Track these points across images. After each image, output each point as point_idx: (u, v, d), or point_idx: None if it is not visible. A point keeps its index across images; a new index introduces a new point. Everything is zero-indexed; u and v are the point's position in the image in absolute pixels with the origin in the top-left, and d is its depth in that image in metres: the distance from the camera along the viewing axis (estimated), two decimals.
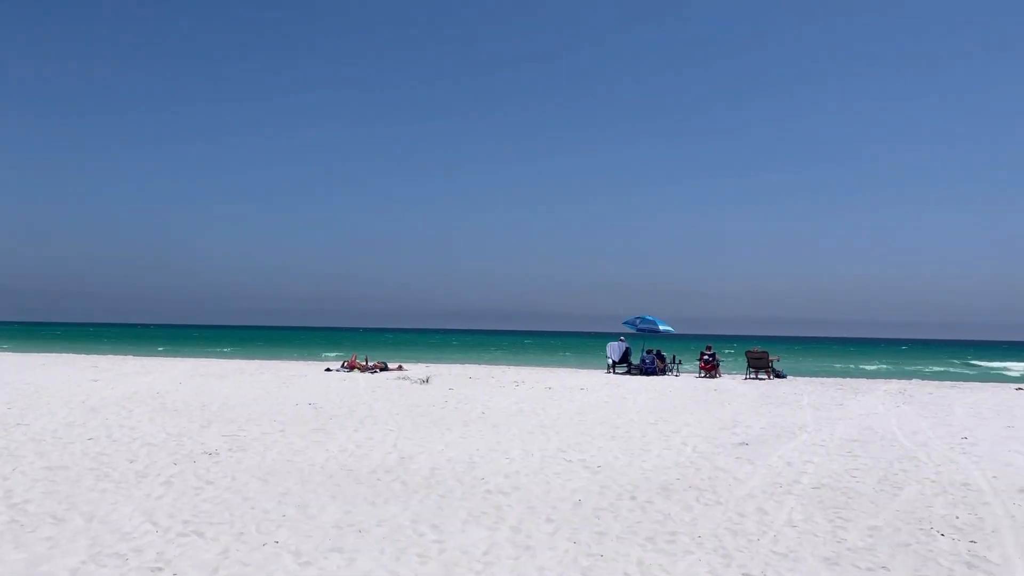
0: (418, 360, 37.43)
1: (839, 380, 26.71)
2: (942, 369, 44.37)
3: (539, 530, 6.87)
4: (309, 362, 33.51)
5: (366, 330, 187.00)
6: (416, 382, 21.76)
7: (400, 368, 27.17)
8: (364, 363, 26.41)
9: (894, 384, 24.57)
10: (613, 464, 10.01)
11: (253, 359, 35.28)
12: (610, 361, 27.87)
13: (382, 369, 26.20)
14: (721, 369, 27.00)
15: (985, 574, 5.72)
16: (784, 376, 26.22)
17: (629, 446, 11.45)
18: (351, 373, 24.86)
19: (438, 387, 20.47)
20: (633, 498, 8.13)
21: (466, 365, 33.00)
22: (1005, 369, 44.71)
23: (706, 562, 6.02)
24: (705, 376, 25.82)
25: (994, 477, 9.30)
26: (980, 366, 47.89)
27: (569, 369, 31.47)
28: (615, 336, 29.60)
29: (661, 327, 27.89)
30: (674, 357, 27.89)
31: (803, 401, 18.15)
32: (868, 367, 43.64)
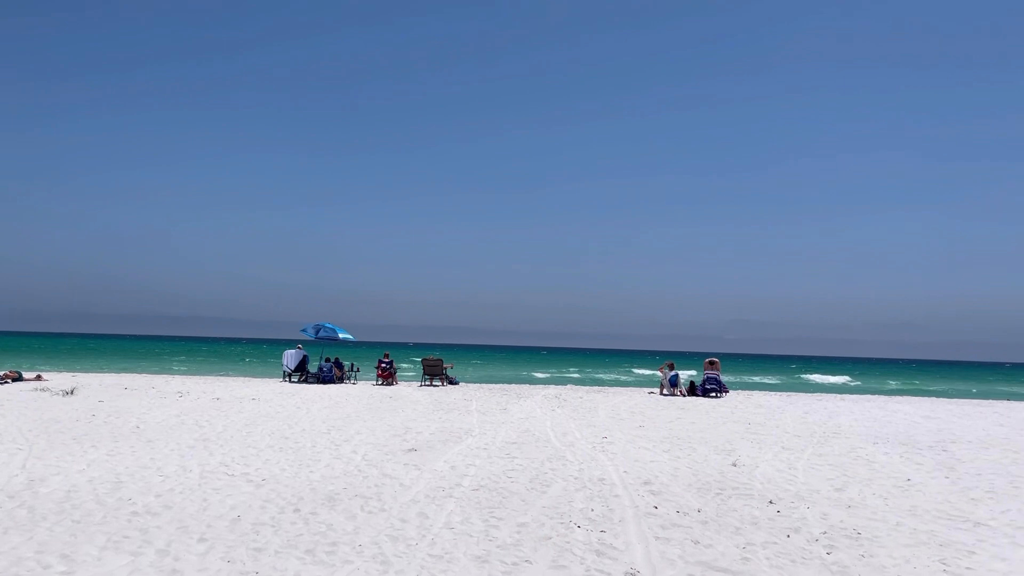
0: (65, 369, 33.22)
1: (506, 386, 28.57)
2: (609, 376, 49.58)
3: (190, 551, 6.40)
4: None
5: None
6: (58, 393, 19.28)
7: (39, 378, 23.92)
8: None
9: (551, 390, 26.87)
10: (279, 476, 9.69)
11: None
12: (286, 369, 27.08)
13: (15, 379, 22.85)
14: (398, 376, 27.49)
15: (611, 560, 6.43)
16: (457, 383, 27.43)
17: (298, 457, 11.17)
18: None
19: (86, 399, 18.33)
20: (297, 510, 7.92)
21: (123, 375, 29.99)
22: (647, 376, 51.06)
23: (364, 570, 6.04)
24: (382, 384, 26.12)
25: (625, 472, 10.53)
26: (637, 374, 54.13)
27: (242, 378, 30.01)
28: (293, 344, 28.82)
29: (341, 335, 27.72)
30: (352, 365, 27.86)
31: (472, 407, 19.11)
32: (539, 375, 47.23)
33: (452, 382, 27.19)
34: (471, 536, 7.08)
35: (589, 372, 52.97)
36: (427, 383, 26.61)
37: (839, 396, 29.59)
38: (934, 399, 29.94)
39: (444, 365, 27.14)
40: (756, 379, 51.45)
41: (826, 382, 52.37)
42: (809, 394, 30.27)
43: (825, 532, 7.49)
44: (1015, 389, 49.12)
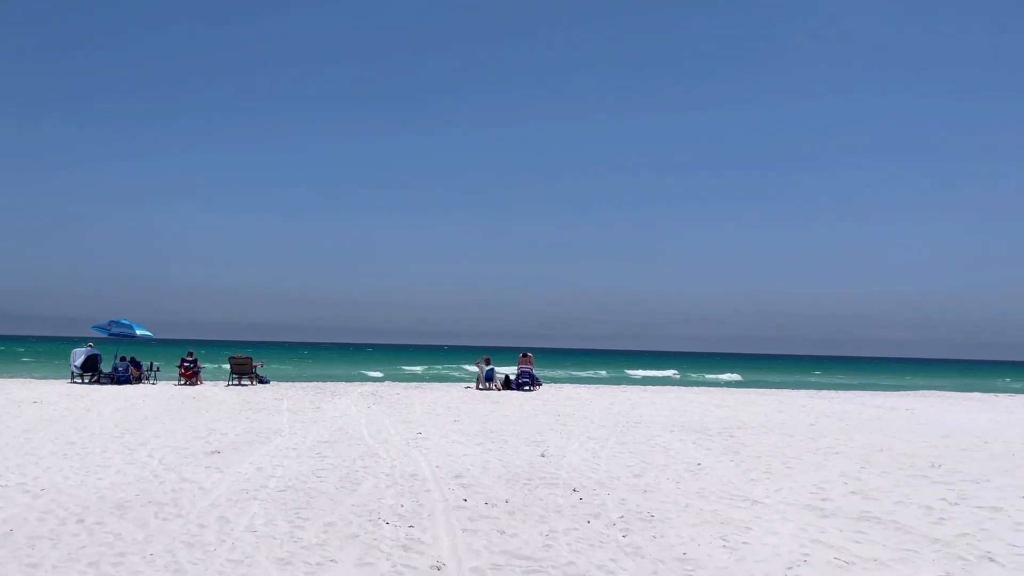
0: None
1: (320, 384, 27.89)
2: (429, 372, 49.52)
3: None
4: None
5: None
6: None
7: None
8: None
9: (367, 387, 26.55)
10: (61, 485, 8.90)
11: None
12: (74, 369, 24.92)
13: None
14: (203, 376, 26.07)
15: (417, 554, 6.45)
16: (267, 382, 26.43)
17: (85, 464, 10.31)
18: None
19: None
20: (81, 521, 7.31)
21: None
22: (464, 370, 51.60)
23: None
24: (185, 383, 24.68)
25: (437, 467, 10.60)
26: (468, 369, 54.41)
27: (21, 380, 27.30)
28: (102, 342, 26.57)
29: (138, 332, 25.89)
30: (151, 364, 26.12)
31: (283, 406, 18.49)
32: (371, 373, 46.30)
33: (262, 381, 26.17)
34: (275, 538, 6.85)
35: (403, 369, 52.83)
36: (235, 382, 25.44)
37: (642, 388, 31.40)
38: (726, 389, 32.50)
39: (254, 363, 26.07)
40: (579, 373, 53.53)
41: (652, 376, 55.03)
42: (616, 386, 31.88)
43: (622, 516, 7.92)
44: (839, 380, 54.29)
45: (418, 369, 53.54)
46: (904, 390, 36.74)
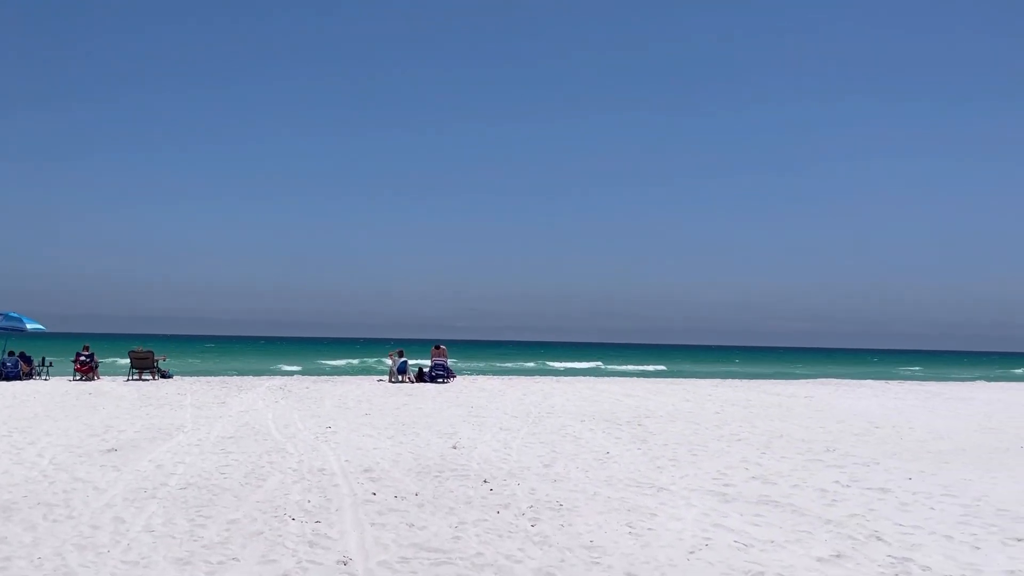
0: None
1: (225, 378, 27.11)
2: (341, 363, 48.72)
3: None
4: None
5: None
6: None
7: None
8: None
9: (276, 381, 25.96)
10: None
11: None
12: None
13: None
14: (100, 371, 24.96)
15: (323, 549, 6.34)
16: (170, 376, 25.52)
17: None
18: None
19: None
20: None
21: None
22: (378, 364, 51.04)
23: None
24: (81, 379, 23.58)
25: (347, 461, 10.45)
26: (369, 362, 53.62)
27: None
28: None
29: (29, 325, 24.58)
30: (43, 359, 24.86)
31: (186, 401, 17.88)
32: (289, 367, 45.07)
33: (165, 375, 25.25)
34: (174, 538, 6.61)
35: (314, 362, 51.88)
36: (135, 377, 24.47)
37: (555, 379, 31.74)
38: (634, 379, 33.19)
39: (155, 357, 25.12)
40: (502, 364, 53.64)
41: (575, 367, 55.47)
42: (530, 377, 32.12)
43: (532, 506, 7.99)
44: (751, 369, 55.91)
45: (339, 363, 52.54)
46: (804, 378, 38.32)
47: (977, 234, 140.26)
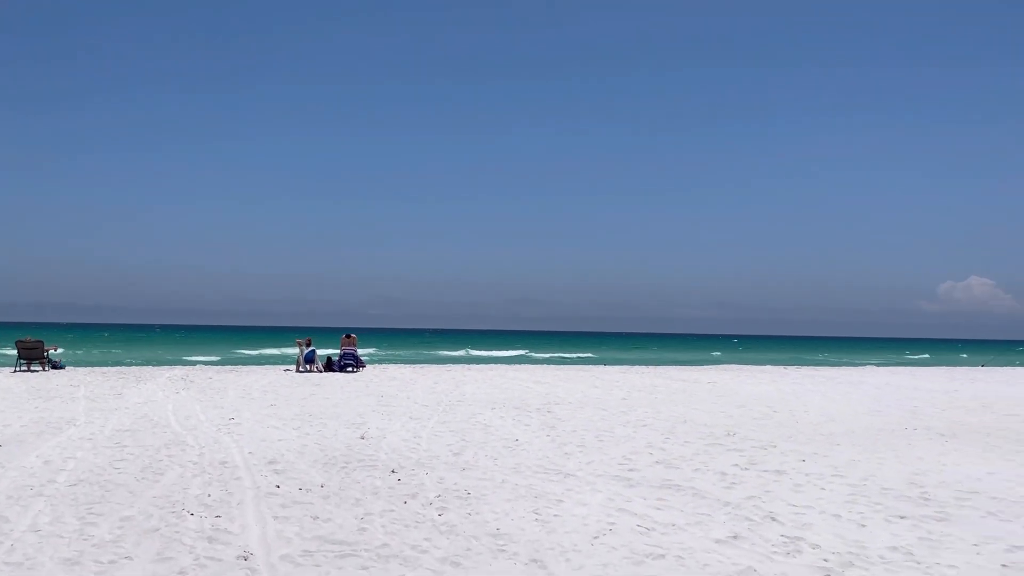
0: None
1: (123, 369, 26.04)
2: (252, 352, 47.26)
3: None
4: None
5: None
6: None
7: None
8: None
9: (177, 371, 25.08)
10: None
11: None
12: None
13: None
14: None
15: (223, 545, 6.15)
16: (62, 367, 24.32)
17: None
18: None
19: None
20: None
21: None
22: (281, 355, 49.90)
23: None
24: None
25: (250, 453, 10.19)
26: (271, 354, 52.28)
27: None
28: None
29: None
30: None
31: (79, 393, 17.08)
32: (197, 358, 43.37)
33: (56, 366, 24.04)
34: (62, 537, 6.30)
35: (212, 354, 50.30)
36: (23, 368, 23.20)
37: (466, 367, 31.77)
38: (546, 367, 33.55)
39: (46, 347, 23.89)
40: (425, 353, 53.16)
41: (498, 356, 55.06)
42: (442, 366, 32.05)
43: (439, 495, 7.97)
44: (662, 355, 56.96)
45: (255, 352, 50.82)
46: (709, 364, 39.55)
47: (858, 224, 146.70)
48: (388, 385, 20.66)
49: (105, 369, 25.54)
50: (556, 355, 55.82)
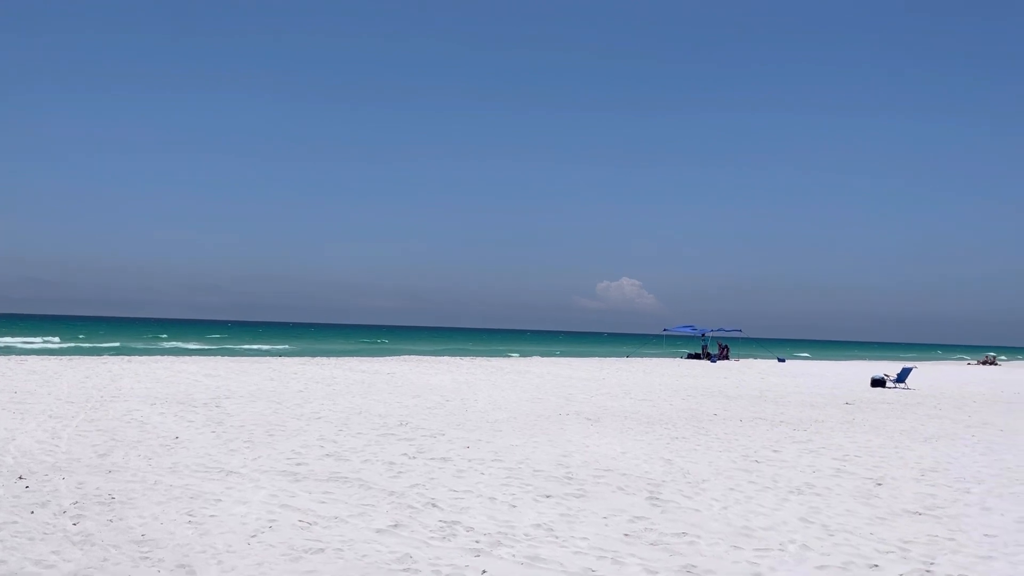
0: None
1: None
2: None
3: None
4: None
5: None
6: None
7: None
8: None
9: None
10: None
11: None
12: None
13: None
14: None
15: None
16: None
17: None
18: None
19: None
20: None
21: None
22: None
23: None
24: None
25: None
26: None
27: None
28: None
29: None
30: None
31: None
32: None
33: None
34: None
35: None
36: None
37: (127, 358, 29.00)
38: (219, 358, 31.71)
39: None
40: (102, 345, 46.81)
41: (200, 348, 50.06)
42: (91, 357, 28.87)
43: (76, 502, 7.13)
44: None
45: None
46: (390, 355, 40.15)
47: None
48: (26, 380, 18.12)
49: None
50: (250, 347, 53.10)
